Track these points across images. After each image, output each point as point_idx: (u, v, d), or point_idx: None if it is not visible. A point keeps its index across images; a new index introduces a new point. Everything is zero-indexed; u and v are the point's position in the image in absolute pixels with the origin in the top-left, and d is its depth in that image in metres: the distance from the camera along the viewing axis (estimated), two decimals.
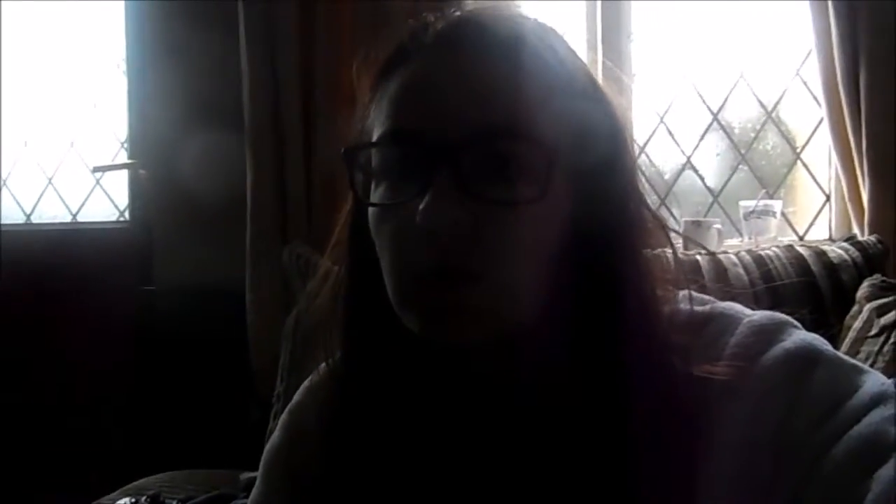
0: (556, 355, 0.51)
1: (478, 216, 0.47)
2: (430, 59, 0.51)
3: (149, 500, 1.16)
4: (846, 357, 0.51)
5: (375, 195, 0.51)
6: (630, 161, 0.54)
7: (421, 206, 0.46)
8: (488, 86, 0.49)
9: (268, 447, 0.62)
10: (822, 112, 1.55)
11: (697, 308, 0.54)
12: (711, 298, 0.56)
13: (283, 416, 0.62)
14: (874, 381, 0.47)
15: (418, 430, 0.53)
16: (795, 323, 0.52)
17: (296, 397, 0.62)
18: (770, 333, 0.50)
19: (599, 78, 0.55)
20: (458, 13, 0.54)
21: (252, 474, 1.19)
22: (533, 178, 0.48)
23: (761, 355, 0.49)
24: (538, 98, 0.50)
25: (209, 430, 1.65)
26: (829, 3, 1.46)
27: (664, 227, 0.55)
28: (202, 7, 1.79)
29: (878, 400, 0.45)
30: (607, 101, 0.53)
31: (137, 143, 1.95)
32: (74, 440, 1.82)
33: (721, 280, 1.14)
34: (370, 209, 0.52)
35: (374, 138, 0.52)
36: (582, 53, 0.55)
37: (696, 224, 1.62)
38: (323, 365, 0.60)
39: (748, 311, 0.53)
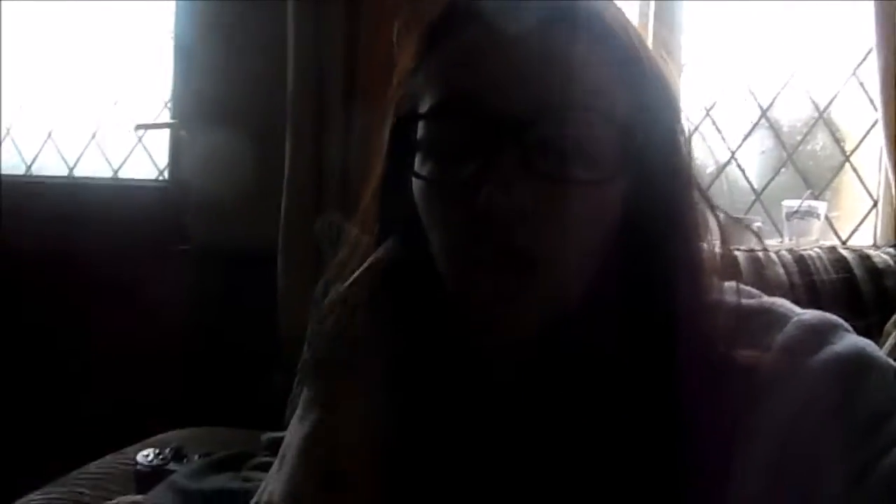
0: (600, 340, 0.49)
1: (544, 197, 0.45)
2: (488, 24, 0.48)
3: (172, 451, 1.18)
4: None
5: (423, 170, 0.49)
6: (686, 143, 0.52)
7: (485, 187, 0.44)
8: (554, 56, 0.46)
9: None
10: (878, 114, 1.50)
11: (745, 301, 0.52)
12: (758, 292, 0.54)
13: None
14: None
15: (447, 409, 0.52)
16: (847, 326, 0.50)
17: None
18: (821, 334, 0.48)
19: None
20: None
21: (274, 434, 1.20)
22: (601, 157, 0.46)
23: (810, 355, 0.47)
24: (604, 73, 0.47)
25: (234, 391, 1.67)
26: None
27: (713, 211, 0.53)
28: None
29: None
30: (665, 78, 0.51)
31: (180, 104, 1.97)
32: (100, 394, 1.85)
33: (759, 277, 1.11)
34: (417, 183, 0.49)
35: (425, 107, 0.49)
36: None
37: (736, 221, 1.58)
38: None
39: (798, 310, 0.51)
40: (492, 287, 0.46)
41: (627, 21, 0.51)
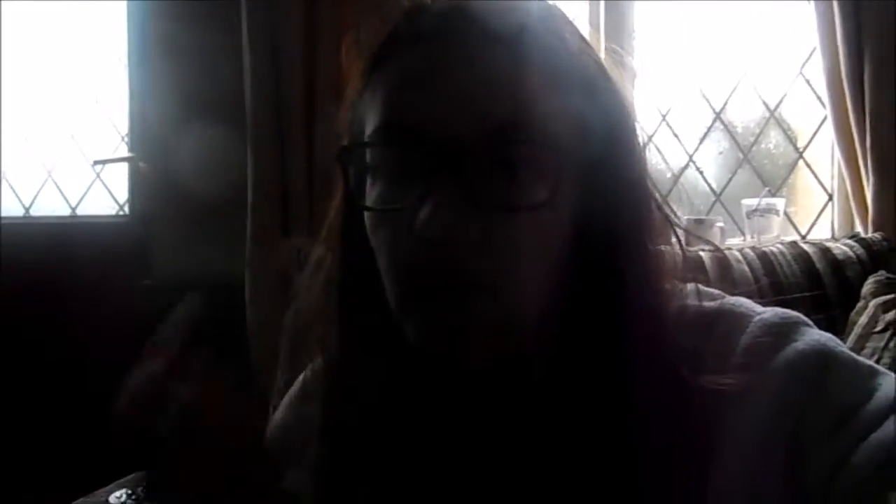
0: (559, 361, 0.48)
1: (484, 223, 0.44)
2: (429, 46, 0.47)
3: (144, 492, 1.14)
4: (861, 358, 0.48)
5: (371, 196, 0.48)
6: (638, 152, 0.51)
7: (421, 215, 0.43)
8: (494, 79, 0.45)
9: (271, 422, 0.60)
10: (826, 111, 1.55)
11: (706, 304, 0.52)
12: (720, 293, 0.53)
13: (287, 397, 0.61)
14: (890, 384, 0.45)
15: (414, 430, 0.51)
16: (807, 321, 0.50)
17: (299, 380, 0.61)
18: (782, 333, 0.48)
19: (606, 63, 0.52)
20: None
21: None
22: (543, 179, 0.45)
23: (773, 355, 0.47)
24: (548, 92, 0.46)
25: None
26: (835, 2, 1.46)
27: (671, 222, 0.52)
28: (205, 1, 1.79)
29: None
30: (616, 89, 0.50)
31: (138, 137, 1.94)
32: (71, 434, 1.80)
33: (725, 277, 1.13)
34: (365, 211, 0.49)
35: (368, 132, 0.48)
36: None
37: (699, 222, 1.61)
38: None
39: (758, 308, 0.50)
40: (437, 317, 0.45)
41: (575, 32, 0.50)
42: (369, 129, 0.48)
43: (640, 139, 0.52)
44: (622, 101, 0.51)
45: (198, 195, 1.74)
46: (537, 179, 0.45)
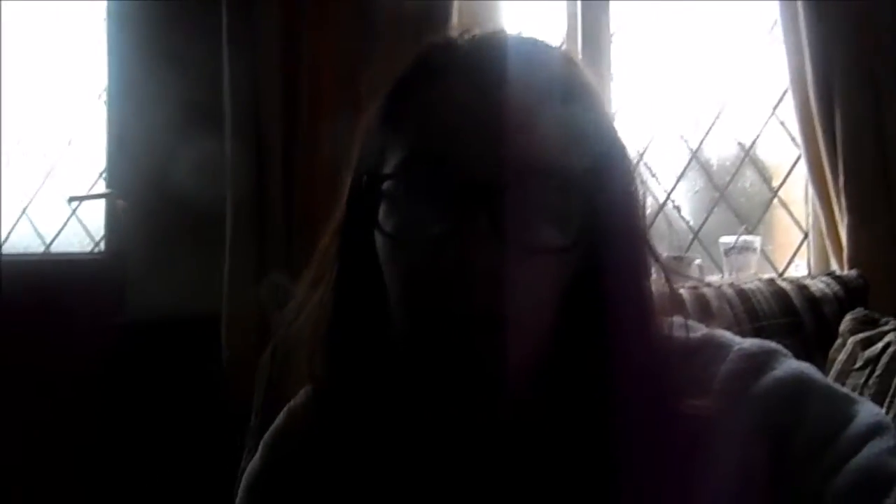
0: (552, 389, 0.50)
1: (511, 260, 0.45)
2: (463, 80, 0.48)
3: None
4: (837, 386, 0.50)
5: (388, 223, 0.48)
6: (638, 195, 0.53)
7: (454, 249, 0.44)
8: (529, 119, 0.47)
9: (248, 470, 0.59)
10: (800, 150, 1.58)
11: (691, 335, 0.53)
12: (702, 325, 0.55)
13: (265, 439, 0.60)
14: (868, 410, 0.47)
15: (406, 459, 0.51)
16: (785, 351, 0.52)
17: (278, 420, 0.60)
18: (761, 362, 0.50)
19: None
20: (481, 34, 0.52)
21: None
22: (568, 222, 0.47)
23: (752, 382, 0.48)
24: (574, 134, 0.48)
25: (183, 467, 1.59)
26: (804, 46, 1.50)
27: (659, 261, 0.54)
28: (185, 36, 1.79)
29: (875, 430, 0.45)
30: (620, 134, 0.53)
31: (116, 174, 1.92)
32: (43, 479, 1.74)
33: (705, 313, 1.13)
34: (381, 237, 0.49)
35: (393, 163, 0.49)
36: None
37: (678, 260, 1.62)
38: (306, 388, 0.58)
39: (738, 339, 0.53)
40: (457, 345, 0.46)
41: (590, 80, 0.52)
42: (394, 158, 0.49)
43: (638, 182, 0.54)
44: (625, 145, 0.53)
45: (176, 231, 1.72)
46: (564, 222, 0.47)
